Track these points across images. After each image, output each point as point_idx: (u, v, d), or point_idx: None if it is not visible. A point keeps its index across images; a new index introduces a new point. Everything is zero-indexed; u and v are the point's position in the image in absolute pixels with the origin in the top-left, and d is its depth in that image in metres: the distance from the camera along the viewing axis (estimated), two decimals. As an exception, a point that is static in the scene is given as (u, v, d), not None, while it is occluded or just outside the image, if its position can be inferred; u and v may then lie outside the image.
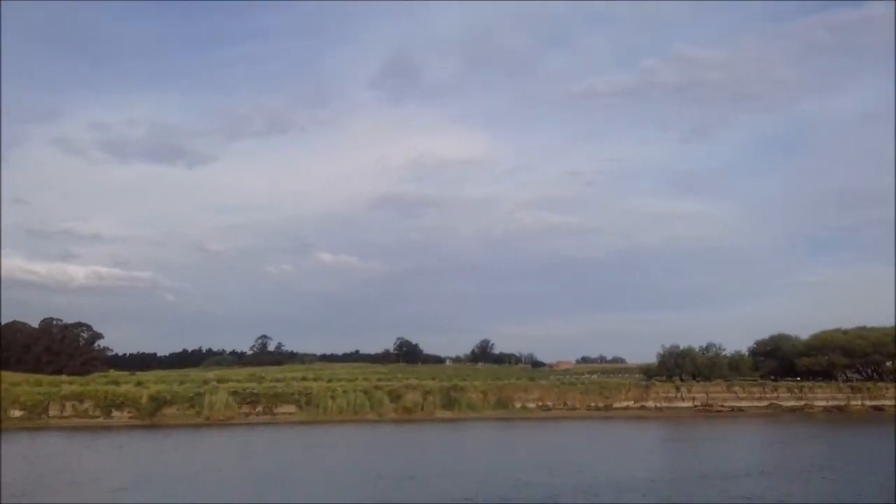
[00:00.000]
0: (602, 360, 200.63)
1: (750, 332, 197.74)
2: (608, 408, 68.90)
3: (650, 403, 70.22)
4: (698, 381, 76.40)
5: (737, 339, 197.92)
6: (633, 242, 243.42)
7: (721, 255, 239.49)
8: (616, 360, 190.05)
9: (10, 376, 79.82)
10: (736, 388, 74.02)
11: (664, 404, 70.21)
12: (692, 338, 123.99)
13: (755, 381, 78.49)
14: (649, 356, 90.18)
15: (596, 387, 73.37)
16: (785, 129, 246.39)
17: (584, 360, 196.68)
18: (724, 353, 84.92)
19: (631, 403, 69.96)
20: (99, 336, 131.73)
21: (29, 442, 43.52)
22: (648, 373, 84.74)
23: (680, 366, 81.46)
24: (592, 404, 69.19)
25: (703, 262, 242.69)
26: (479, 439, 46.69)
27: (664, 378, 79.45)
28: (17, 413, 55.63)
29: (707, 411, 69.83)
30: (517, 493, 22.46)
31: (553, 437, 47.23)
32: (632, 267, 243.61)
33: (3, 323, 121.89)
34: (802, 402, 73.57)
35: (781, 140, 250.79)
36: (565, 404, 68.77)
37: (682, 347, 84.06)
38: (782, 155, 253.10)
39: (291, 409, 61.36)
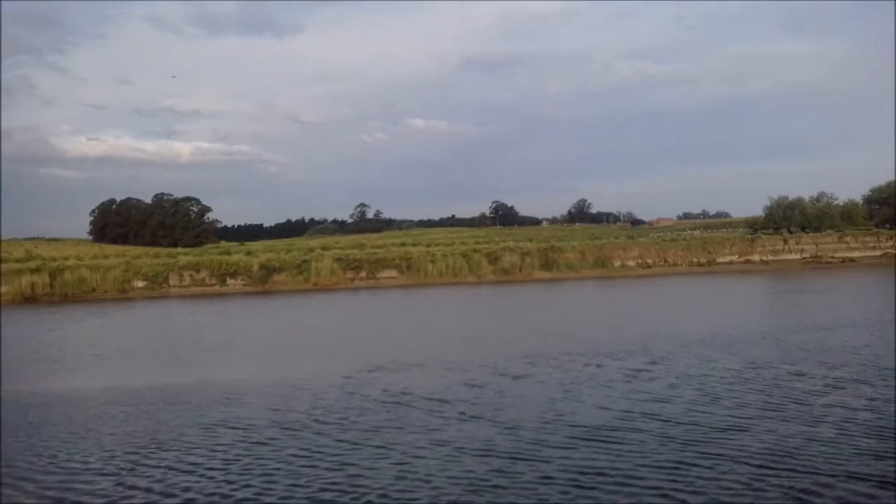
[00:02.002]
0: (705, 215, 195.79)
1: (865, 179, 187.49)
2: (711, 263, 67.63)
3: (755, 257, 68.44)
4: (807, 233, 73.53)
5: (851, 188, 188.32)
6: (737, 90, 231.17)
7: (834, 99, 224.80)
8: (720, 214, 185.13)
9: (130, 249, 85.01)
10: (848, 239, 70.92)
11: (770, 258, 68.30)
12: (802, 188, 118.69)
13: (869, 230, 74.87)
14: (755, 209, 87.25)
15: (698, 242, 71.88)
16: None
17: (686, 216, 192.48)
18: (836, 202, 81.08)
19: (735, 258, 68.37)
20: (207, 209, 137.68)
21: (143, 310, 46.59)
22: (754, 226, 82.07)
23: (788, 217, 78.37)
24: (694, 260, 68.01)
25: (813, 107, 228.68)
26: (572, 298, 46.87)
27: (771, 231, 76.85)
28: (140, 283, 59.33)
29: (816, 263, 67.61)
30: (581, 348, 22.41)
31: (646, 294, 46.87)
32: (736, 116, 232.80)
33: (118, 200, 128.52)
34: (920, 251, 70.03)
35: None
36: (666, 261, 67.87)
37: (790, 198, 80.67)
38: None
39: (393, 273, 63.05)
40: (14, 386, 19.80)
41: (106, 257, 68.10)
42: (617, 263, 67.07)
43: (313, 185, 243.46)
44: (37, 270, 57.78)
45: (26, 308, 50.74)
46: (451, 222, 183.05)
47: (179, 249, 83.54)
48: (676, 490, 9.62)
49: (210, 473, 11.06)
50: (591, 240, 76.37)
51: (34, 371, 22.66)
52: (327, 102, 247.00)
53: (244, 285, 60.17)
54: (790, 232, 74.83)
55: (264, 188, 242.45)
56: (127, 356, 25.56)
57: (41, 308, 49.93)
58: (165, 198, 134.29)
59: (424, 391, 16.45)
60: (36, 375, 21.73)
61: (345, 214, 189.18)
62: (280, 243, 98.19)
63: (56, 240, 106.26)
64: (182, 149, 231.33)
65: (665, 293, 46.64)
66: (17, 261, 63.07)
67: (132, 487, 10.56)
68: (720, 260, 68.16)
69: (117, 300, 54.91)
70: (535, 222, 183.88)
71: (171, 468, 11.41)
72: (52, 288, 56.44)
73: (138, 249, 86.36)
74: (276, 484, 10.43)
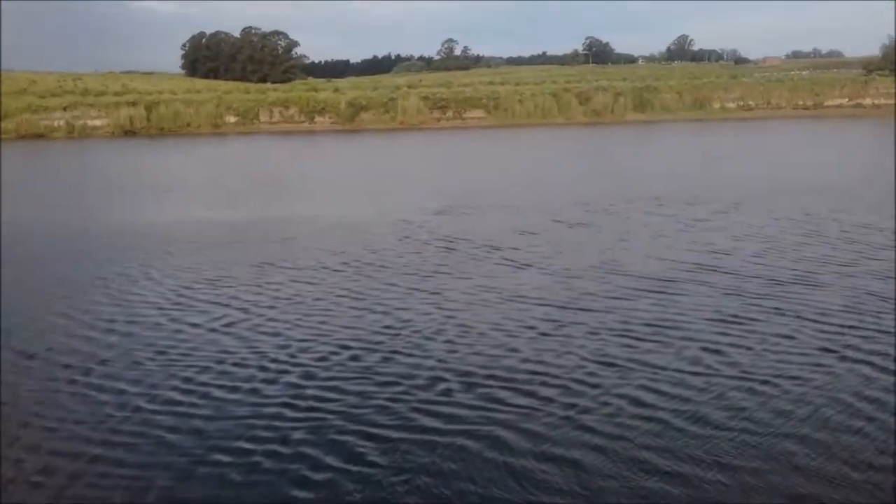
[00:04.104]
0: (816, 54, 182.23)
1: None
2: (818, 106, 63.51)
3: (867, 101, 63.73)
4: (928, 76, 67.58)
5: None
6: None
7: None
8: (832, 53, 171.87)
9: (221, 84, 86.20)
10: (974, 82, 64.93)
11: (883, 101, 63.49)
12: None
13: None
14: (872, 48, 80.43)
15: (806, 84, 67.38)
16: None
17: (795, 54, 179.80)
18: (964, 42, 73.66)
19: (845, 101, 63.88)
20: (295, 44, 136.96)
21: (230, 145, 47.70)
22: (869, 67, 75.83)
23: (908, 58, 71.98)
24: (800, 103, 64.03)
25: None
26: (659, 141, 45.20)
27: (887, 72, 70.96)
28: (231, 119, 60.43)
29: (934, 108, 62.59)
30: (652, 194, 21.77)
31: (739, 138, 44.63)
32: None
33: (208, 34, 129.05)
34: None
35: None
36: (769, 103, 64.17)
37: (913, 36, 73.72)
38: None
39: (480, 113, 62.03)
40: (97, 217, 20.99)
41: (198, 92, 69.46)
42: (716, 105, 63.92)
43: (400, 19, 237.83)
44: (133, 104, 59.46)
45: (125, 140, 52.78)
46: (542, 60, 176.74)
47: (269, 85, 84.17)
48: (731, 344, 9.38)
49: (259, 311, 11.37)
50: (690, 79, 72.89)
51: (116, 202, 24.01)
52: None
53: (332, 123, 60.53)
54: (908, 73, 68.92)
55: (351, 22, 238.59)
56: (202, 190, 26.69)
57: (138, 141, 51.83)
58: (254, 31, 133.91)
59: (483, 237, 16.34)
60: (119, 207, 23.00)
61: (432, 51, 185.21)
62: (366, 80, 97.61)
63: (151, 73, 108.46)
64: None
65: (759, 138, 44.40)
66: (115, 94, 65.04)
67: (185, 322, 11.03)
68: (828, 103, 63.87)
69: (210, 135, 56.35)
70: (630, 60, 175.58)
71: (222, 304, 11.79)
72: (149, 121, 58.16)
73: (229, 84, 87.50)
74: (324, 325, 10.64)
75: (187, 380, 8.62)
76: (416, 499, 6.06)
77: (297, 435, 7.19)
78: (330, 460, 6.70)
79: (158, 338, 10.18)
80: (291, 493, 6.21)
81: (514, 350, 9.36)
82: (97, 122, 57.89)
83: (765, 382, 8.14)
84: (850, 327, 9.87)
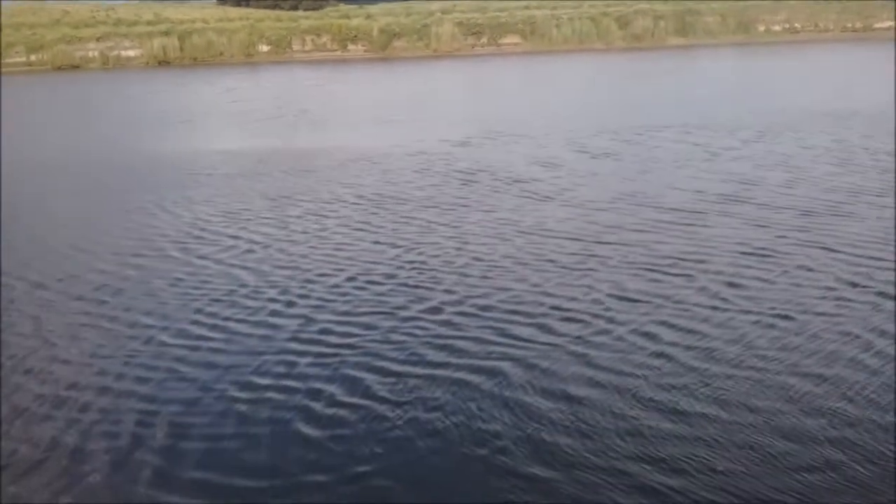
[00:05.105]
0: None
1: None
2: (867, 29, 60.80)
3: (919, 22, 60.88)
4: None
5: None
6: None
7: None
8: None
9: (253, 12, 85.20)
10: None
11: (938, 23, 60.55)
12: None
13: None
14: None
15: (855, 5, 64.32)
16: None
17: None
18: None
19: (894, 23, 61.04)
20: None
21: (261, 74, 47.38)
22: (926, -14, 72.23)
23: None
24: (849, 25, 61.33)
25: None
26: (696, 67, 43.75)
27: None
28: (264, 48, 59.89)
29: None
30: (678, 122, 21.15)
31: (779, 62, 42.90)
32: None
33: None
34: None
35: None
36: (816, 26, 61.61)
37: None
38: None
39: (516, 39, 60.64)
40: (122, 148, 21.20)
41: (230, 20, 68.70)
42: (761, 28, 61.57)
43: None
44: (167, 34, 59.15)
45: (158, 71, 52.77)
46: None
47: (301, 13, 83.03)
48: (755, 277, 9.11)
49: (273, 243, 11.39)
50: (734, 1, 70.02)
51: (143, 133, 24.23)
52: None
53: (365, 51, 59.70)
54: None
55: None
56: (229, 121, 26.78)
57: (172, 71, 51.78)
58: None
59: (505, 169, 16.08)
60: (145, 138, 23.20)
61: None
62: (399, 6, 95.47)
63: (182, 1, 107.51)
64: None
65: (801, 62, 42.76)
66: (148, 23, 64.68)
67: (199, 254, 11.09)
68: (878, 25, 61.09)
69: (243, 64, 56.01)
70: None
71: (237, 236, 11.83)
72: (182, 51, 57.92)
73: (261, 13, 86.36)
74: (337, 258, 10.58)
75: (199, 311, 8.68)
76: (417, 432, 6.04)
77: (305, 368, 7.20)
78: (336, 393, 6.70)
79: (172, 269, 10.25)
80: (295, 425, 6.24)
81: (532, 284, 9.18)
82: (131, 53, 57.85)
83: (785, 317, 7.91)
84: (879, 259, 9.52)
